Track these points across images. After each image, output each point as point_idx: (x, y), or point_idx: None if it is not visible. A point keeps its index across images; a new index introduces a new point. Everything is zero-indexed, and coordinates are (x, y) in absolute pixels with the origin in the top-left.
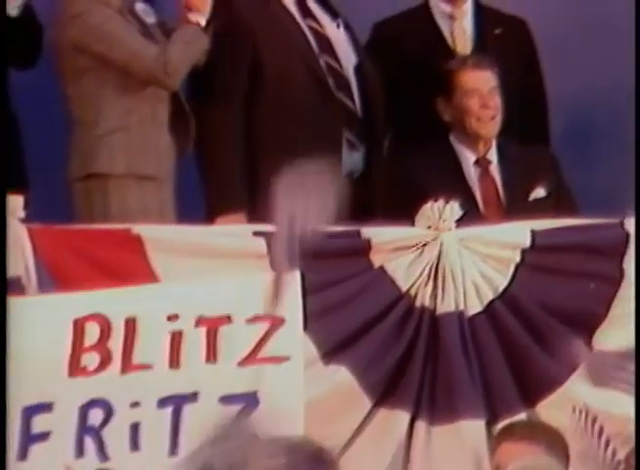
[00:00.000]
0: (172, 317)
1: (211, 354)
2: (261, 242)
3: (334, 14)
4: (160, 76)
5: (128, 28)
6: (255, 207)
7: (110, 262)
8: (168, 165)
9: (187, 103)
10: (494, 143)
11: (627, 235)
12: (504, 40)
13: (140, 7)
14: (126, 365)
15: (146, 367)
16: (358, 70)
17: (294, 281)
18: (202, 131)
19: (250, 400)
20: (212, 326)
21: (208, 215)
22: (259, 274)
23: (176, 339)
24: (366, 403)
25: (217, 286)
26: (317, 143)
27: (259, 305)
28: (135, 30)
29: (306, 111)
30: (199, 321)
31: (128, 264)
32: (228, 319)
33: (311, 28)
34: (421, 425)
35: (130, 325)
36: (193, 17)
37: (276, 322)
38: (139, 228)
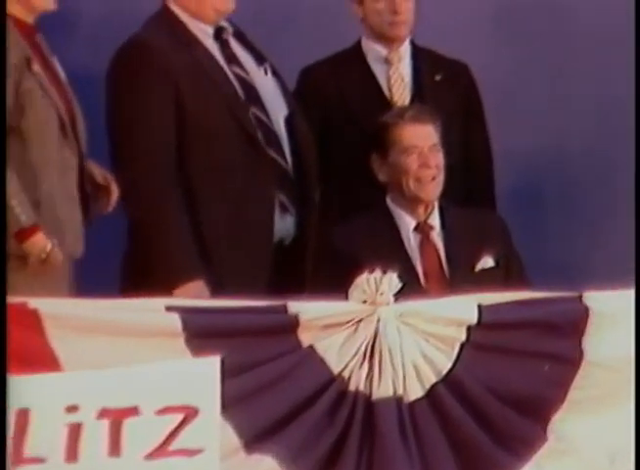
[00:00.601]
0: (71, 409)
1: (115, 448)
2: (175, 318)
3: (260, 58)
4: None
5: None
6: (211, 273)
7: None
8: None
9: (113, 170)
10: (436, 206)
11: (587, 310)
12: (445, 88)
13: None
14: (16, 458)
15: (38, 461)
16: (289, 121)
17: (211, 367)
18: (135, 199)
19: None
20: (117, 418)
21: (162, 289)
22: (171, 360)
23: (74, 431)
24: None
25: (123, 374)
26: (249, 206)
27: (172, 395)
28: None
29: (236, 170)
30: (102, 413)
31: (24, 343)
32: (135, 411)
33: (237, 76)
34: None
35: (22, 417)
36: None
37: (190, 413)
38: (36, 302)
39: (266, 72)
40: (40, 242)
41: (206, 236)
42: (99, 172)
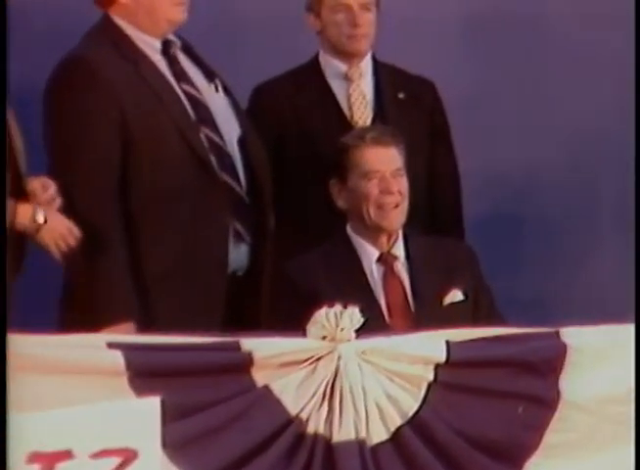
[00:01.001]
0: None
1: None
2: (118, 355)
3: (210, 74)
4: None
5: None
6: (146, 314)
7: None
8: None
9: None
10: (401, 235)
11: (565, 347)
12: (409, 107)
13: None
14: None
15: None
16: (242, 143)
17: (151, 407)
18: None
19: None
20: (48, 463)
21: (91, 327)
22: (106, 401)
23: None
24: None
25: (55, 416)
26: (201, 235)
27: (108, 437)
28: None
29: (186, 196)
30: (31, 457)
31: None
32: (68, 455)
33: (187, 94)
34: None
35: None
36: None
37: (129, 456)
38: None
39: (217, 89)
40: (25, 210)
41: (151, 268)
42: (39, 187)
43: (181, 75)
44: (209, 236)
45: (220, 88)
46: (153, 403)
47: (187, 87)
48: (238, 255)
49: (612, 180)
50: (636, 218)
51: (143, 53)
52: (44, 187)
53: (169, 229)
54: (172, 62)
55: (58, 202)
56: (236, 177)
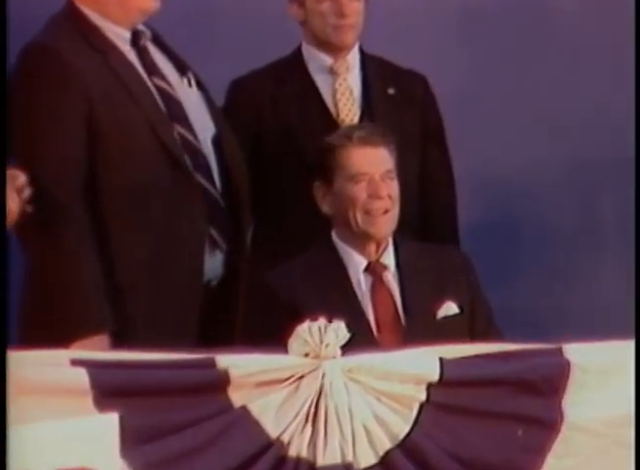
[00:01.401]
0: None
1: None
2: (82, 373)
3: (182, 67)
4: None
5: None
6: (120, 325)
7: None
8: None
9: None
10: (390, 243)
11: (568, 365)
12: (399, 103)
13: None
14: None
15: None
16: (217, 142)
17: (109, 425)
18: (33, 229)
19: None
20: None
21: (58, 341)
22: (64, 420)
23: None
24: None
25: (7, 436)
26: (173, 241)
27: (64, 457)
28: None
29: (158, 199)
30: None
31: None
32: None
33: (159, 89)
34: None
35: None
36: None
37: None
38: None
39: (190, 83)
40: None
41: (119, 278)
42: (8, 179)
43: (152, 68)
44: (183, 241)
45: (193, 82)
46: (110, 421)
47: (158, 81)
48: (213, 263)
49: (612, 183)
50: (636, 223)
51: (112, 44)
52: (13, 178)
53: (139, 233)
54: (143, 54)
55: (27, 192)
56: (211, 179)
